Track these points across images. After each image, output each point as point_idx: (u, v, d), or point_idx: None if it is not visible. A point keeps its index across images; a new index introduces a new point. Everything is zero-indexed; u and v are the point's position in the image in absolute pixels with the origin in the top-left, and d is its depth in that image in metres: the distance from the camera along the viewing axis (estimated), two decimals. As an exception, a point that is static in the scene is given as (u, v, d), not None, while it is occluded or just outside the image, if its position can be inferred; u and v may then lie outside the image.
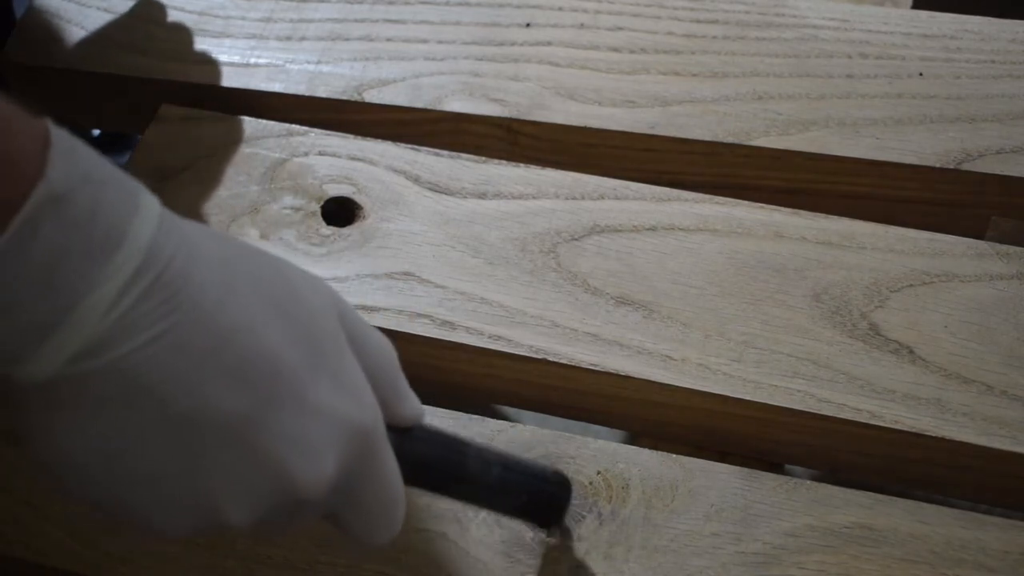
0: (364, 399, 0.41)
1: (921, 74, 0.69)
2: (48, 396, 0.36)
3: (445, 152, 0.66)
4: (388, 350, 0.44)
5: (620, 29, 0.72)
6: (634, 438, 0.61)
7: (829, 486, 0.55)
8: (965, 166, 0.64)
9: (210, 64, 0.71)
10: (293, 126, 0.68)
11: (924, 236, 0.62)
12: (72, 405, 0.36)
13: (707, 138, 0.67)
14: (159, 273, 0.35)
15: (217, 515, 0.38)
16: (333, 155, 0.66)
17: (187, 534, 0.39)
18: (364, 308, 0.60)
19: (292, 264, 0.41)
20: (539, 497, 0.51)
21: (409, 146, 0.67)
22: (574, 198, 0.64)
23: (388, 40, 0.72)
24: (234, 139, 0.67)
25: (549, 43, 0.72)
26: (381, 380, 0.43)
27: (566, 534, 0.53)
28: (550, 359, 0.58)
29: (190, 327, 0.36)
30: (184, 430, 0.37)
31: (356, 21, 0.73)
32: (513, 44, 0.72)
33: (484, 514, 0.54)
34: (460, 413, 0.58)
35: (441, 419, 0.57)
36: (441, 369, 0.61)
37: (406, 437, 0.45)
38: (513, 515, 0.52)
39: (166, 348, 0.35)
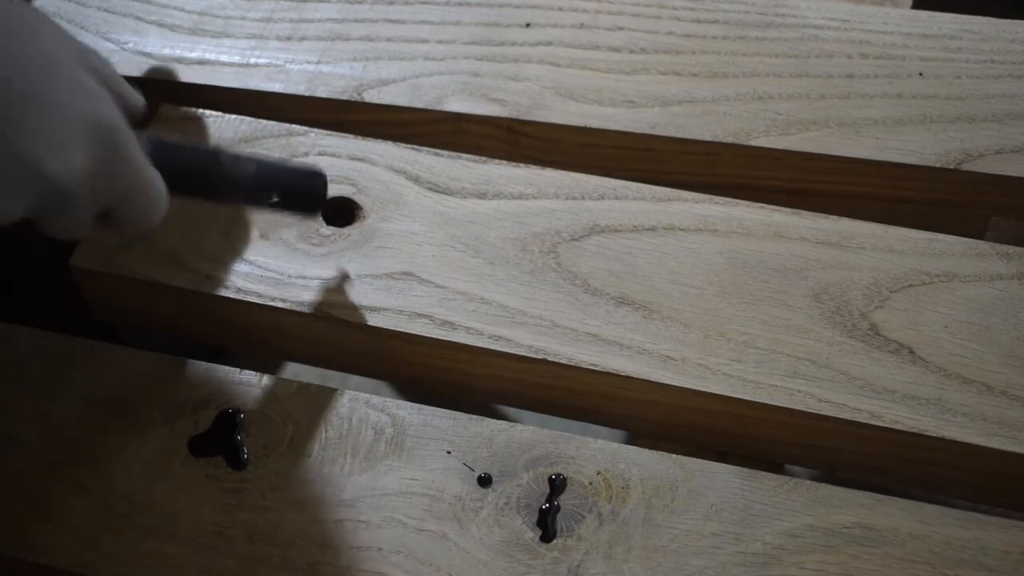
0: (101, 98, 0.47)
1: (921, 74, 0.69)
2: None
3: (445, 152, 0.66)
4: (105, 58, 0.53)
5: (620, 29, 0.72)
6: (634, 438, 0.61)
7: (829, 486, 0.55)
8: (965, 166, 0.65)
9: (210, 64, 0.72)
10: (293, 126, 0.68)
11: (924, 236, 0.62)
12: None
13: (707, 138, 0.67)
14: None
15: None
16: (333, 155, 0.66)
17: None
18: (364, 308, 0.60)
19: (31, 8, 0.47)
20: (295, 187, 0.58)
21: (409, 146, 0.67)
22: (574, 198, 0.64)
23: (388, 40, 0.72)
24: (234, 139, 0.67)
25: (549, 43, 0.72)
26: (112, 83, 0.51)
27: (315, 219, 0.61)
28: (550, 359, 0.58)
29: None
30: None
31: (356, 21, 0.73)
32: (513, 44, 0.72)
33: (484, 514, 0.54)
34: (460, 413, 0.58)
35: (441, 419, 0.57)
36: (441, 369, 0.61)
37: (161, 147, 0.53)
38: (275, 208, 0.58)
39: None
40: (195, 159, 0.55)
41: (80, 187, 0.46)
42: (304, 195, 0.59)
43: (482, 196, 0.64)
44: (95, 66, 0.50)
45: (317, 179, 0.59)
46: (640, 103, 0.68)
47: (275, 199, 0.58)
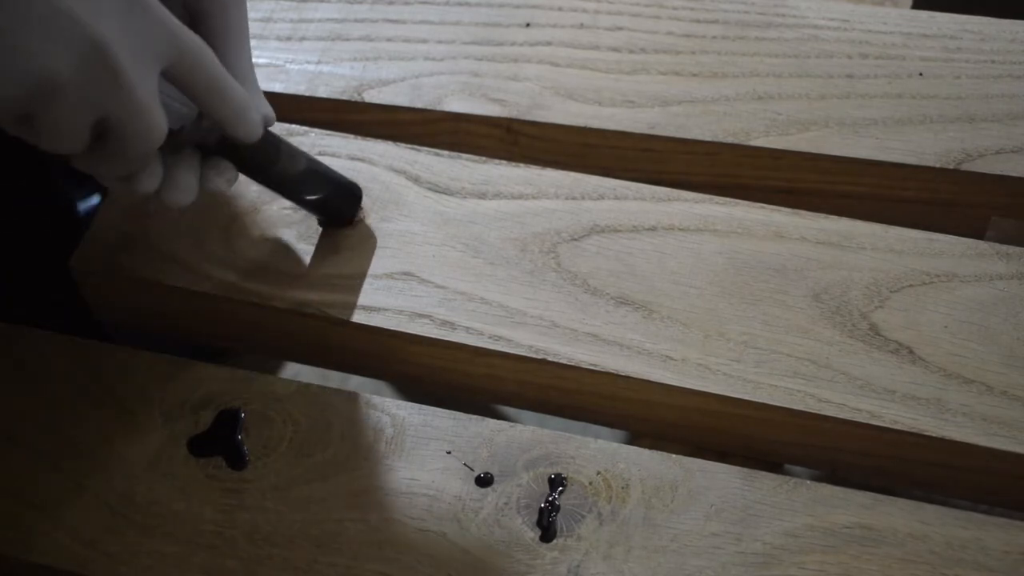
0: (105, 13, 0.46)
1: (921, 74, 0.69)
2: None
3: (445, 152, 0.66)
4: None
5: (620, 29, 0.72)
6: (634, 438, 0.61)
7: (829, 486, 0.55)
8: (965, 166, 0.65)
9: (210, 64, 0.71)
10: (293, 126, 0.68)
11: (924, 236, 0.62)
12: None
13: (707, 138, 0.67)
14: None
15: (35, 70, 0.44)
16: (333, 155, 0.66)
17: (14, 99, 0.44)
18: (364, 308, 0.60)
19: None
20: (334, 197, 0.61)
21: (409, 146, 0.67)
22: (574, 198, 0.64)
23: (388, 40, 0.72)
24: (234, 139, 0.67)
25: (549, 43, 0.72)
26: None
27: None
28: (550, 359, 0.58)
29: None
30: None
31: (356, 21, 0.73)
32: (513, 44, 0.72)
33: (484, 514, 0.54)
34: (460, 413, 0.58)
35: (441, 419, 0.57)
36: (441, 369, 0.61)
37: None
38: (310, 208, 0.61)
39: None
40: (263, 139, 0.55)
41: (67, 88, 0.45)
42: (340, 207, 0.62)
43: (482, 196, 0.64)
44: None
45: (355, 196, 0.63)
46: (640, 103, 0.68)
47: (312, 199, 0.61)
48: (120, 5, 0.47)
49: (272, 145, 0.57)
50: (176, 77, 0.50)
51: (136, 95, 0.48)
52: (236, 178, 0.56)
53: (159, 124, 0.49)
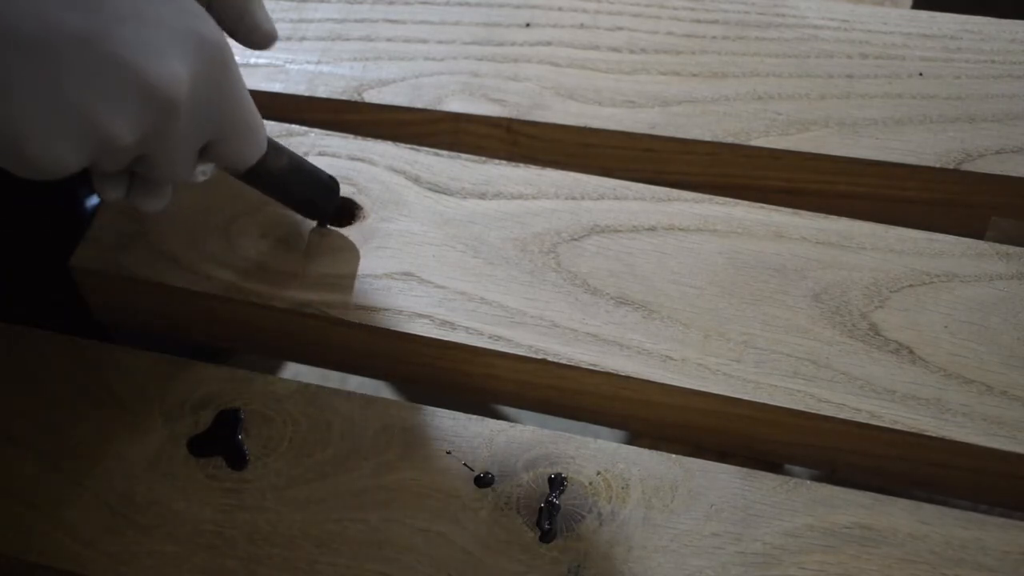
0: (202, 16, 0.47)
1: (921, 74, 0.69)
2: None
3: (445, 152, 0.66)
4: None
5: (620, 29, 0.72)
6: (634, 438, 0.61)
7: (829, 486, 0.55)
8: (965, 166, 0.65)
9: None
10: (293, 126, 0.68)
11: (924, 236, 0.62)
12: None
13: (707, 138, 0.67)
14: None
15: (96, 128, 0.44)
16: (333, 155, 0.66)
17: (75, 160, 0.45)
18: (364, 308, 0.60)
19: None
20: (314, 196, 0.60)
21: (409, 146, 0.67)
22: (574, 198, 0.64)
23: (388, 40, 0.72)
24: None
25: (549, 43, 0.72)
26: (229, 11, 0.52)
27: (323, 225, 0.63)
28: (550, 359, 0.58)
29: None
30: (39, 53, 0.42)
31: (356, 21, 0.73)
32: (513, 44, 0.72)
33: (484, 514, 0.54)
34: (460, 413, 0.58)
35: (441, 419, 0.57)
36: (441, 369, 0.61)
37: None
38: (291, 206, 0.60)
39: None
40: None
41: (185, 103, 0.46)
42: (314, 203, 0.61)
43: (482, 196, 0.64)
44: None
45: (331, 193, 0.61)
46: (640, 103, 0.68)
47: (288, 197, 0.60)
48: (191, 7, 0.47)
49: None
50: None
51: (246, 98, 0.50)
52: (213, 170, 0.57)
53: (262, 124, 0.52)
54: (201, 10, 0.48)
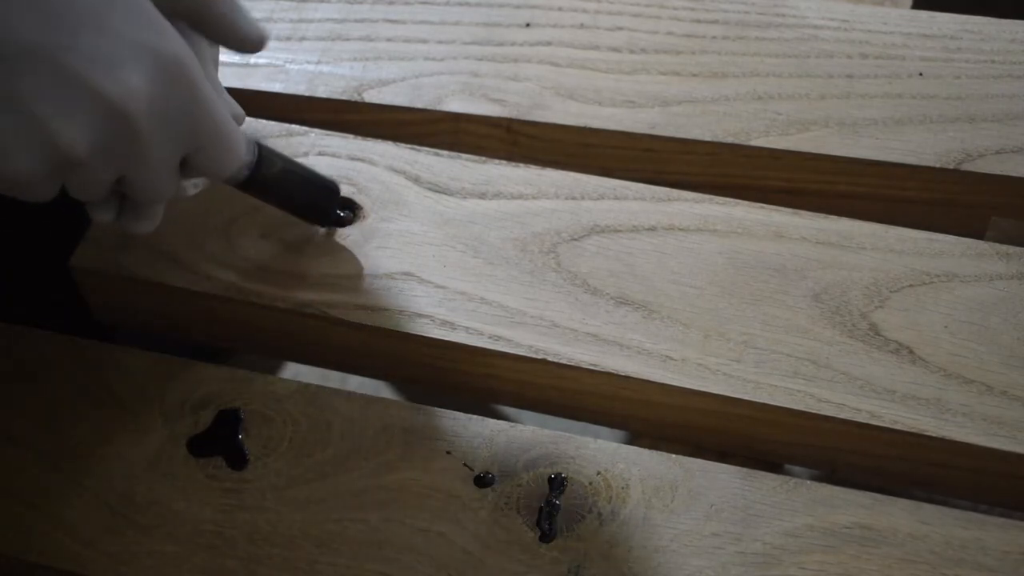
0: (164, 31, 0.46)
1: (921, 74, 0.69)
2: None
3: (445, 152, 0.66)
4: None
5: (620, 29, 0.72)
6: (634, 438, 0.61)
7: (829, 486, 0.55)
8: (965, 166, 0.65)
9: (210, 64, 0.71)
10: (293, 126, 0.68)
11: (924, 236, 0.62)
12: None
13: (707, 138, 0.67)
14: None
15: (54, 140, 0.44)
16: (333, 155, 0.66)
17: (36, 171, 0.44)
18: (364, 308, 0.60)
19: None
20: (308, 197, 0.59)
21: (409, 146, 0.67)
22: (574, 198, 0.64)
23: (388, 40, 0.72)
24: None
25: (549, 43, 0.72)
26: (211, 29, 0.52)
27: (331, 229, 0.63)
28: (550, 359, 0.58)
29: None
30: None
31: (356, 21, 0.73)
32: (513, 44, 0.72)
33: (484, 514, 0.54)
34: (460, 413, 0.58)
35: (441, 419, 0.57)
36: (441, 369, 0.61)
37: None
38: (290, 211, 0.60)
39: None
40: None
41: (146, 118, 0.46)
42: (315, 207, 0.61)
43: (482, 196, 0.64)
44: (188, 8, 0.50)
45: (331, 195, 0.61)
46: (640, 103, 0.68)
47: (287, 203, 0.59)
48: (158, 21, 0.47)
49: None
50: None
51: (216, 110, 0.49)
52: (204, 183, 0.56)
53: (238, 134, 0.52)
54: (166, 25, 0.47)
